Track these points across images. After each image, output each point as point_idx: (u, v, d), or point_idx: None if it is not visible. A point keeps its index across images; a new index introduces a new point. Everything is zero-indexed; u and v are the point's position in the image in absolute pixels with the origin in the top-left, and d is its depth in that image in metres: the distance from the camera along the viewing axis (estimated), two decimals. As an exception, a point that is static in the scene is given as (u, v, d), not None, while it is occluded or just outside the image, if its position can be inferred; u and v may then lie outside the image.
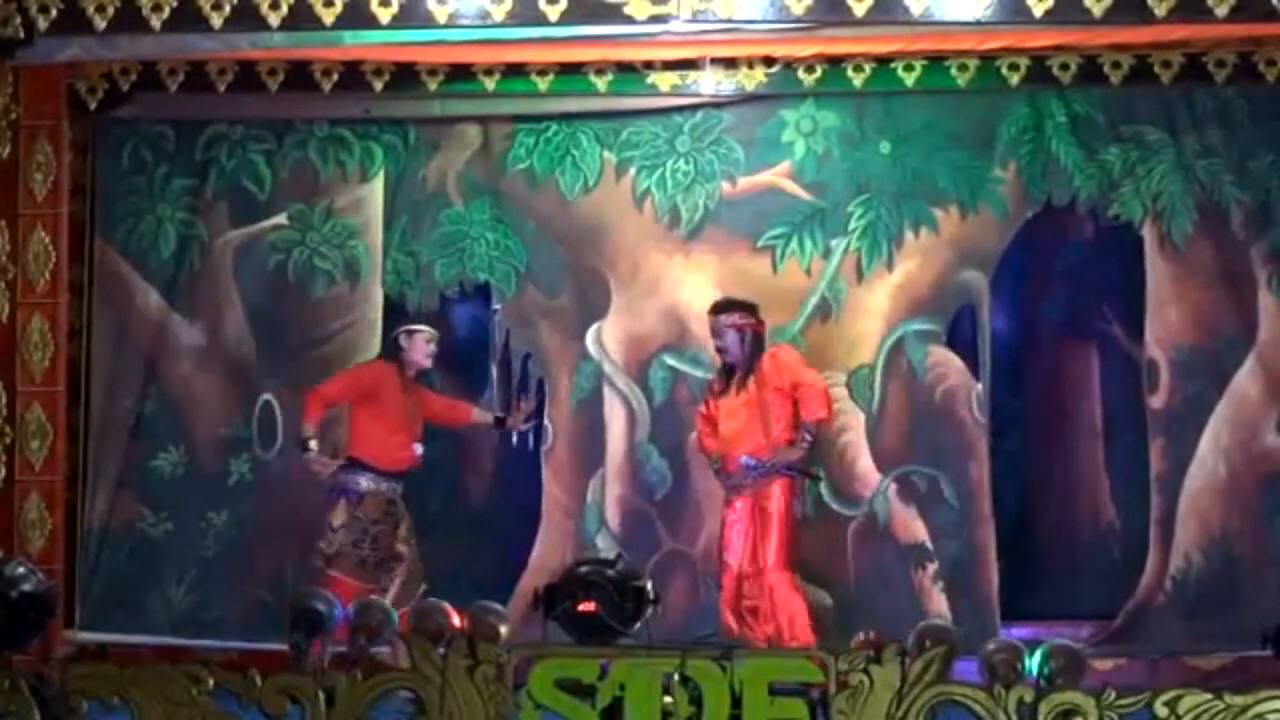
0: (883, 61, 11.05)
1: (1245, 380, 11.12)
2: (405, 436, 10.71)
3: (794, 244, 11.45)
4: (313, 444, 10.60)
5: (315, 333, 11.68)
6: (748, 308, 10.65)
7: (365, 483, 10.59)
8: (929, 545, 11.16)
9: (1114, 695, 7.40)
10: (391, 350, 10.84)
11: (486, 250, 11.65)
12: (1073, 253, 12.15)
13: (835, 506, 11.33)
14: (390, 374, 10.75)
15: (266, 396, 11.63)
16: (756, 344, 10.59)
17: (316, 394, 10.75)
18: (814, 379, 10.54)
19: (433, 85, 11.30)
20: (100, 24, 9.36)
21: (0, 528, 10.79)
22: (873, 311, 11.38)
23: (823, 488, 11.25)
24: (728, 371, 10.68)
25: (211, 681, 7.71)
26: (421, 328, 10.85)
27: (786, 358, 10.61)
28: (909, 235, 11.38)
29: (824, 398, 10.49)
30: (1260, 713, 7.35)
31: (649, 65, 11.21)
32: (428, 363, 10.91)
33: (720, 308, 10.71)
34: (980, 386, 11.34)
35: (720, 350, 10.69)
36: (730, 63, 11.17)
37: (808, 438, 10.42)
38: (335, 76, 11.19)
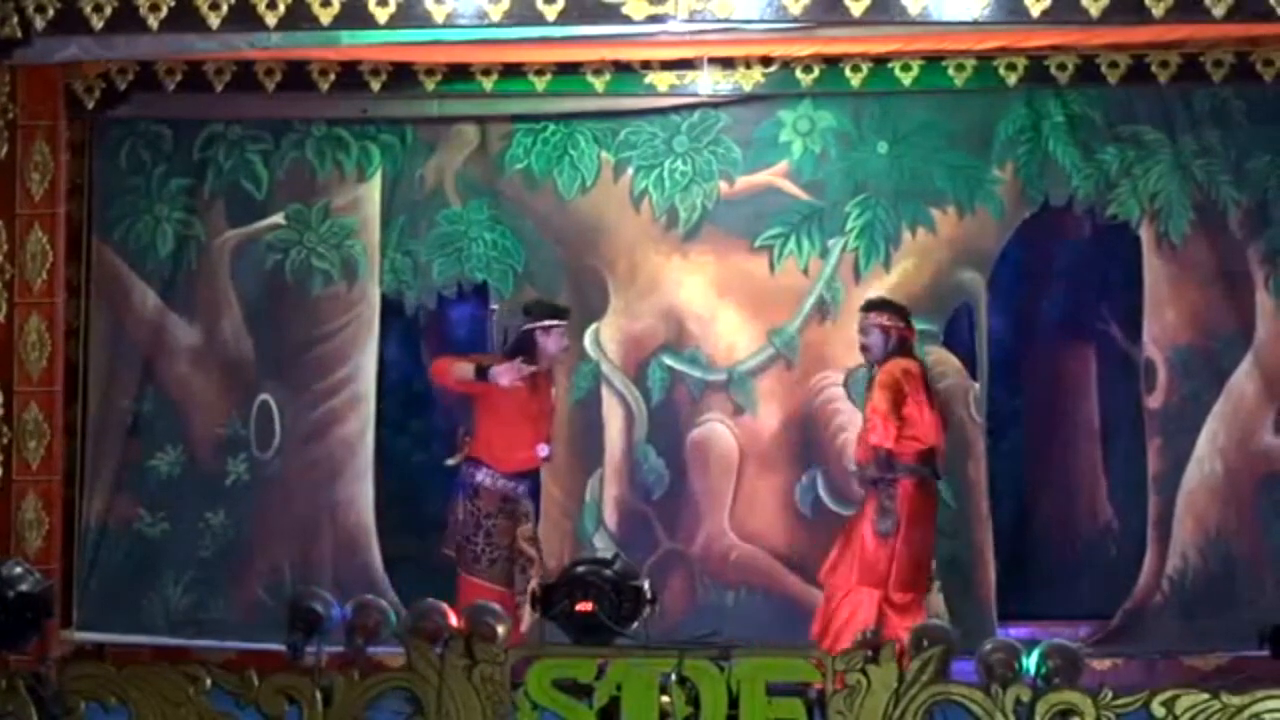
0: (880, 61, 11.04)
1: (1242, 380, 11.13)
2: (529, 436, 10.38)
3: (792, 244, 11.46)
4: (485, 368, 10.18)
5: (313, 332, 11.67)
6: (897, 310, 10.52)
7: (481, 476, 10.32)
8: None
9: (1111, 695, 7.42)
10: (522, 346, 10.38)
11: (484, 250, 11.65)
12: (1070, 252, 12.17)
13: (833, 505, 11.34)
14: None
15: (264, 396, 11.63)
16: (900, 348, 10.41)
17: (444, 361, 10.50)
18: (879, 399, 10.25)
19: (430, 85, 11.28)
20: (98, 24, 9.33)
21: (-3, 528, 10.80)
22: (870, 312, 11.38)
23: (819, 487, 11.27)
24: (872, 371, 10.55)
25: (209, 681, 7.73)
26: (555, 321, 10.44)
27: (883, 378, 10.33)
28: (906, 235, 11.40)
29: (881, 420, 10.20)
30: (1257, 712, 7.37)
31: (646, 65, 11.21)
32: (562, 355, 10.66)
33: (870, 305, 10.58)
34: (977, 386, 11.36)
35: (863, 348, 10.56)
36: (728, 63, 11.17)
37: (878, 457, 10.23)
38: (333, 76, 11.17)
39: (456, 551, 10.30)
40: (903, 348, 10.41)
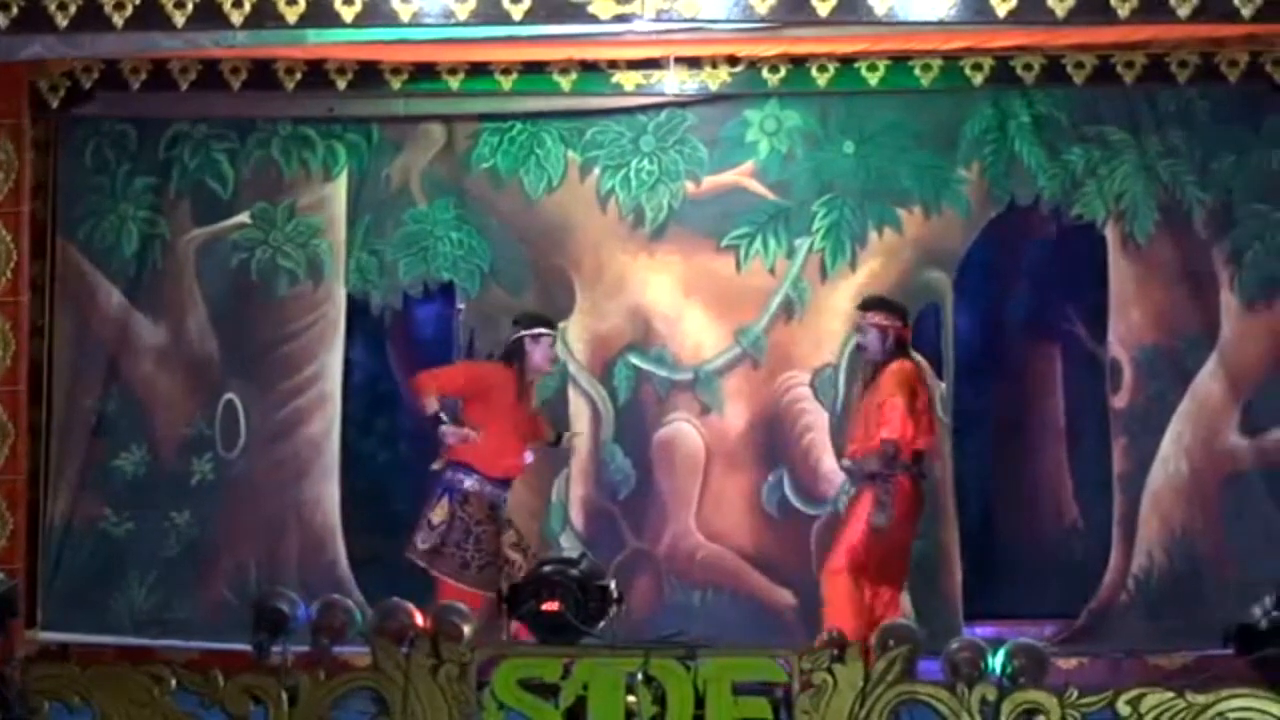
0: (846, 61, 11.05)
1: (1207, 380, 11.16)
2: (515, 443, 10.50)
3: (758, 243, 11.47)
4: (443, 414, 10.40)
5: (278, 332, 11.65)
6: (894, 310, 10.58)
7: (470, 483, 10.40)
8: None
9: (1076, 694, 7.43)
10: (513, 354, 10.53)
11: (450, 249, 11.64)
12: (1036, 252, 12.19)
13: (799, 505, 11.36)
14: (508, 378, 10.50)
15: (230, 396, 11.60)
16: (897, 347, 10.48)
17: (429, 375, 10.64)
18: (897, 396, 10.33)
19: (397, 84, 11.27)
20: (62, 22, 9.30)
21: (-39, 528, 10.77)
22: (837, 311, 11.40)
23: (786, 487, 11.27)
24: (872, 368, 10.60)
25: (174, 681, 7.70)
26: (544, 330, 10.59)
27: (891, 376, 10.41)
28: (873, 235, 11.41)
29: (899, 416, 10.28)
30: (1222, 711, 7.39)
31: (613, 64, 11.21)
32: (549, 367, 10.78)
33: (866, 304, 10.67)
34: (944, 386, 11.37)
35: (860, 347, 10.66)
36: (694, 62, 11.17)
37: (886, 453, 10.30)
38: (299, 75, 11.15)
39: (434, 556, 10.29)
40: (900, 347, 10.46)
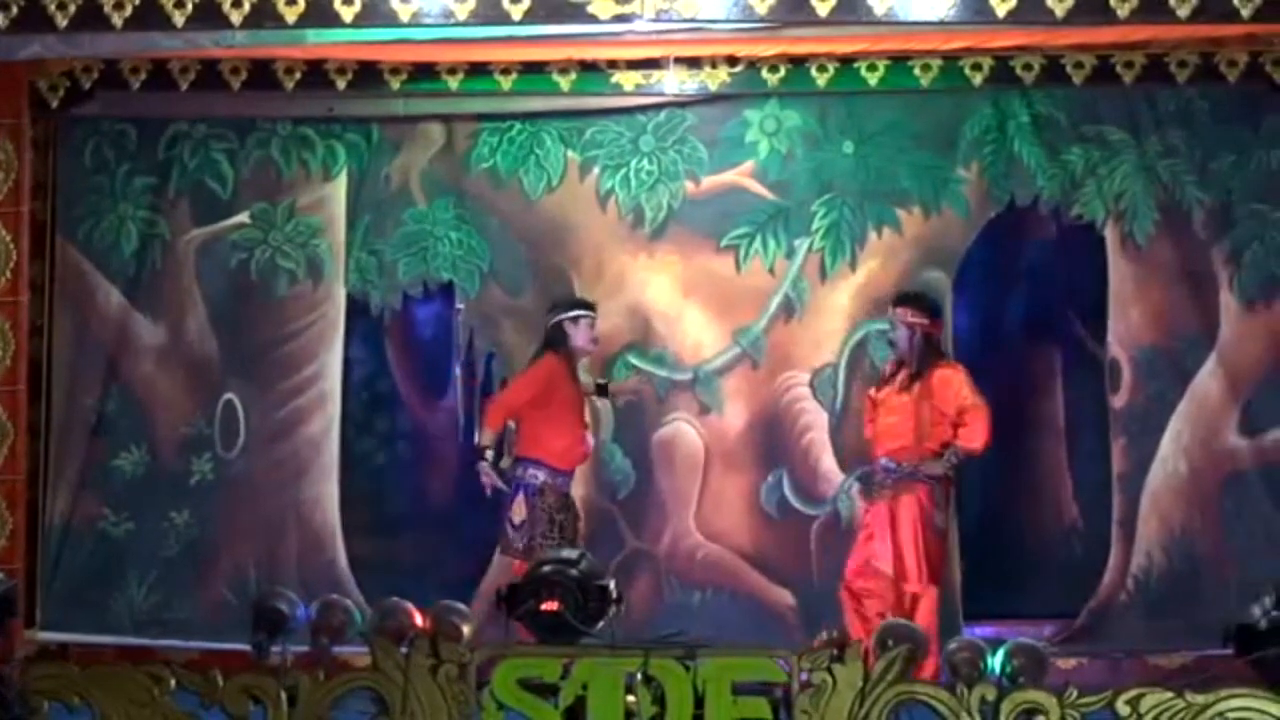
0: (846, 61, 11.06)
1: (1206, 380, 11.16)
2: (580, 430, 10.59)
3: (757, 243, 11.47)
4: (489, 454, 10.49)
5: (278, 332, 11.65)
6: (923, 306, 10.58)
7: (543, 477, 10.46)
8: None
9: (1076, 694, 7.43)
10: (555, 340, 10.58)
11: (450, 249, 11.64)
12: (1035, 253, 12.18)
13: (799, 505, 11.35)
14: (559, 368, 10.54)
15: (229, 396, 11.61)
16: (926, 345, 10.48)
17: (498, 404, 10.68)
18: (980, 405, 10.39)
19: (396, 84, 11.27)
20: (62, 22, 9.30)
21: (-39, 528, 10.77)
22: (836, 311, 11.40)
23: (785, 487, 11.27)
24: (898, 364, 10.61)
25: (173, 681, 7.70)
26: (583, 311, 10.64)
27: (955, 381, 10.44)
28: (872, 235, 11.41)
29: (986, 428, 10.36)
30: (1221, 711, 7.39)
31: (613, 64, 11.21)
32: (593, 347, 10.75)
33: (897, 300, 10.69)
34: (943, 386, 11.36)
35: (891, 342, 10.67)
36: (694, 62, 11.18)
37: (954, 460, 10.35)
38: (298, 75, 11.16)
39: (529, 554, 10.28)
40: (932, 347, 10.46)
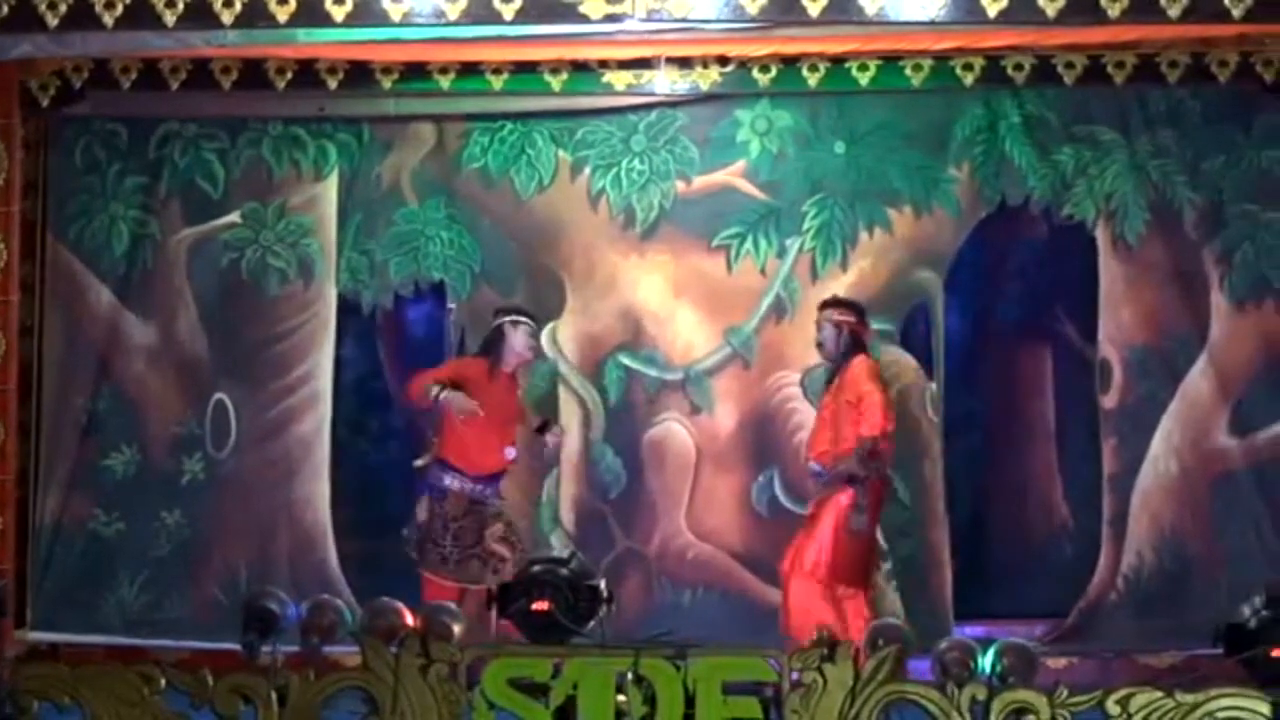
0: (837, 61, 11.08)
1: (1197, 380, 11.17)
2: (495, 439, 10.52)
3: (749, 243, 11.47)
4: (441, 392, 10.37)
5: (269, 331, 11.64)
6: (851, 307, 10.52)
7: (449, 481, 10.46)
8: (883, 544, 11.15)
9: (1066, 693, 7.44)
10: (491, 343, 10.63)
11: (441, 249, 11.64)
12: (1026, 252, 12.19)
13: (789, 505, 11.35)
14: (483, 370, 10.55)
15: (220, 395, 11.59)
16: (853, 344, 10.39)
17: (419, 376, 10.63)
18: (874, 391, 10.24)
19: (387, 84, 11.28)
20: (53, 21, 9.30)
21: (-49, 528, 10.77)
22: (826, 311, 11.40)
23: (776, 486, 11.27)
24: (828, 370, 10.55)
25: (163, 681, 7.70)
26: (524, 318, 10.66)
27: (860, 371, 10.32)
28: (863, 235, 11.41)
29: (880, 412, 10.17)
30: (1210, 710, 7.40)
31: (604, 64, 11.22)
32: (529, 355, 10.75)
33: (825, 303, 10.62)
34: (934, 386, 11.38)
35: (818, 345, 10.56)
36: (685, 62, 11.19)
37: (861, 450, 10.16)
38: (289, 75, 11.16)
39: (419, 552, 10.37)
40: (856, 344, 10.40)
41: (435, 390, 10.40)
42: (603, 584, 8.89)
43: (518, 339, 10.59)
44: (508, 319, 10.62)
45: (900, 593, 11.12)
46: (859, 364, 10.35)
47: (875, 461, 10.15)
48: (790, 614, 10.22)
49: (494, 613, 8.77)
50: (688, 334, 11.53)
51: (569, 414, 11.55)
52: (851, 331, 10.41)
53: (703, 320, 11.54)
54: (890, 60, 11.03)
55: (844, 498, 10.21)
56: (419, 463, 10.62)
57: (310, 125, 11.65)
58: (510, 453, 10.63)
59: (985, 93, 11.25)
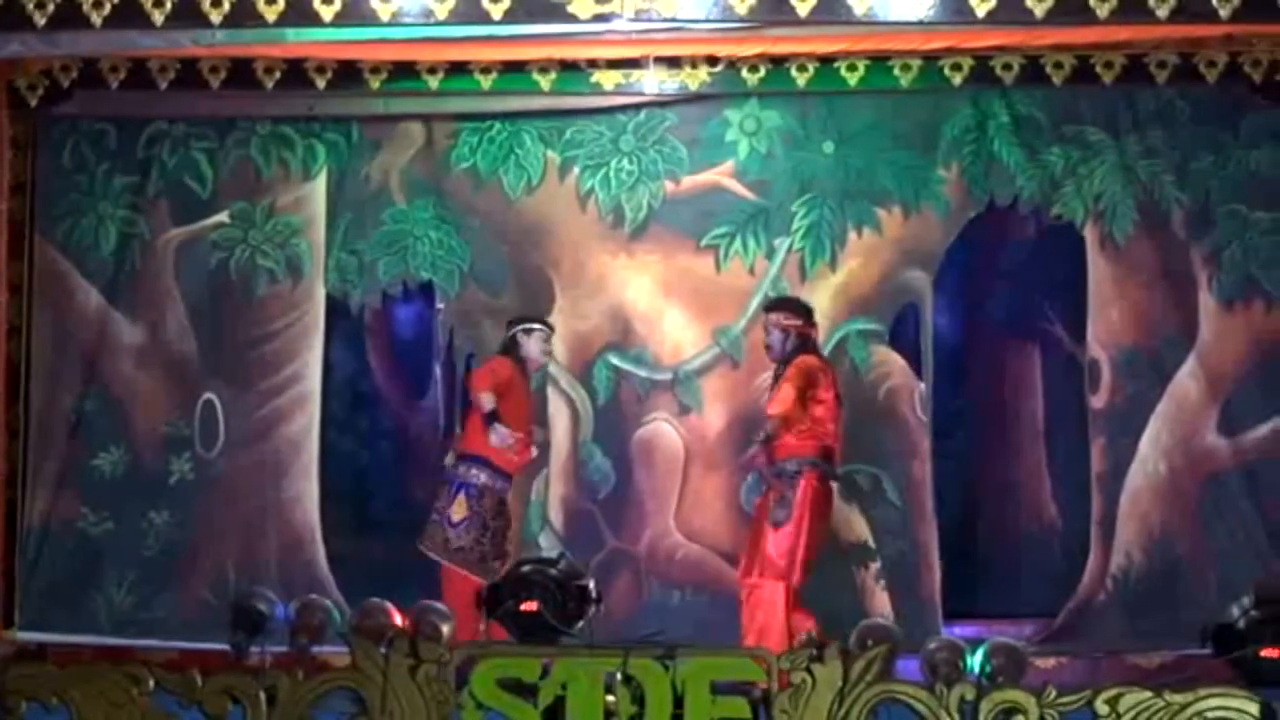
0: (826, 61, 11.08)
1: (1185, 380, 11.17)
2: (526, 435, 10.64)
3: (738, 243, 11.47)
4: (498, 412, 10.42)
5: (257, 331, 11.63)
6: (797, 309, 10.50)
7: (484, 477, 10.51)
8: (872, 544, 11.18)
9: (1055, 693, 7.44)
10: (508, 348, 10.75)
11: (430, 249, 11.63)
12: (1015, 252, 12.20)
13: (778, 505, 11.34)
14: (512, 371, 10.67)
15: (208, 395, 11.58)
16: (799, 346, 10.36)
17: (480, 373, 10.72)
18: (789, 377, 10.16)
19: (376, 83, 11.29)
20: (41, 20, 9.30)
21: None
22: (816, 311, 11.34)
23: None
24: (775, 372, 10.50)
25: (152, 682, 7.68)
26: (537, 325, 10.81)
27: (793, 367, 10.24)
28: (852, 235, 11.41)
29: (787, 399, 10.09)
30: (1199, 710, 7.40)
31: (593, 64, 11.23)
32: (544, 360, 10.90)
33: (770, 305, 10.63)
34: (923, 386, 11.38)
35: (766, 348, 10.51)
36: (674, 62, 11.19)
37: (765, 433, 10.14)
38: (278, 74, 11.17)
39: (457, 552, 10.37)
40: (804, 346, 10.37)
41: (489, 405, 10.42)
42: (591, 584, 8.90)
43: (532, 346, 10.74)
44: (520, 329, 10.75)
45: (889, 592, 11.13)
46: (797, 362, 10.25)
47: (808, 460, 10.12)
48: (750, 618, 10.15)
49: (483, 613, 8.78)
50: (676, 334, 11.53)
51: (558, 414, 11.55)
52: (799, 334, 10.38)
53: (691, 320, 11.54)
54: (879, 60, 11.05)
55: (771, 494, 10.18)
56: (449, 460, 10.67)
57: (299, 125, 11.64)
58: (534, 451, 10.80)
59: (974, 93, 11.26)
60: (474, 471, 10.50)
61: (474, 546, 10.43)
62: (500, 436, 10.39)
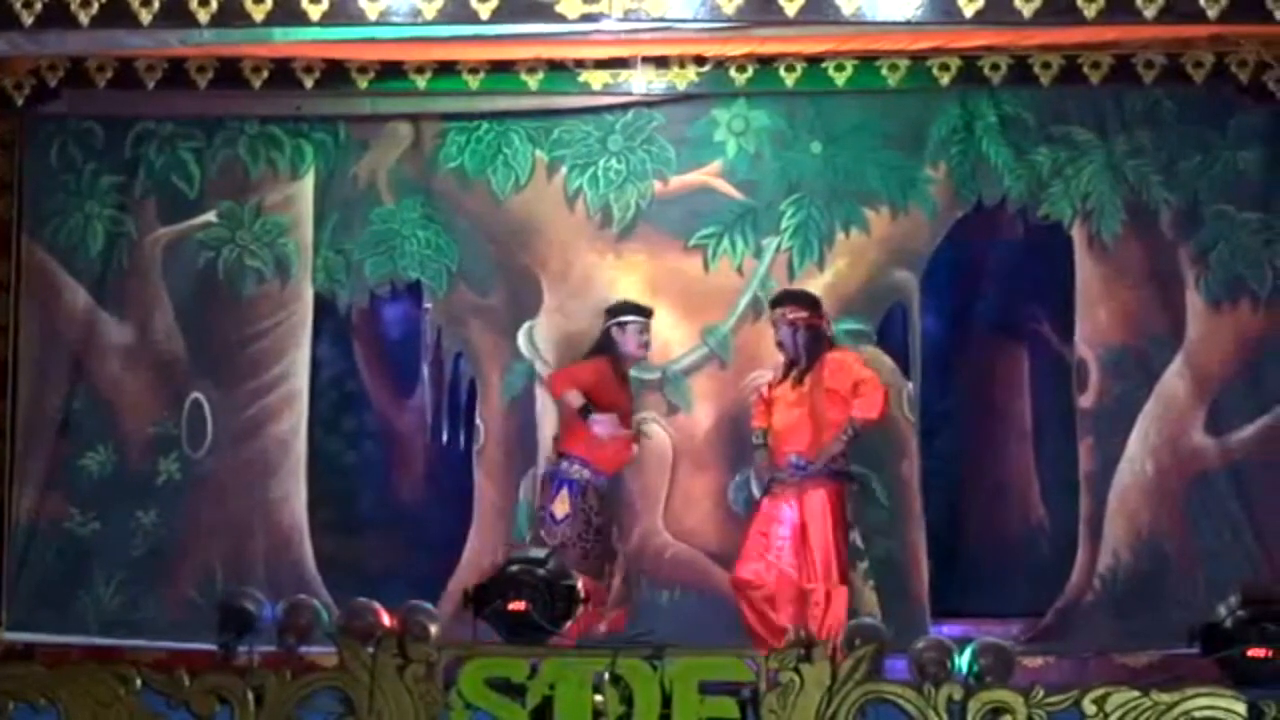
0: (814, 61, 11.09)
1: (1173, 380, 11.18)
2: (624, 434, 10.67)
3: (725, 243, 11.47)
4: (590, 406, 10.53)
5: (245, 331, 11.62)
6: (802, 302, 10.58)
7: (587, 474, 10.55)
8: (860, 544, 11.16)
9: (1043, 693, 7.44)
10: (604, 346, 10.79)
11: (417, 249, 11.62)
12: (1003, 252, 12.20)
13: (766, 505, 11.34)
14: (607, 370, 10.69)
15: (196, 395, 11.57)
16: (813, 339, 10.46)
17: (561, 374, 10.84)
18: (874, 377, 10.43)
19: (363, 83, 11.28)
20: (28, 20, 9.28)
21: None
22: (809, 307, 11.41)
23: (753, 485, 11.26)
24: (790, 363, 10.61)
25: (139, 681, 7.68)
26: (632, 318, 10.80)
27: (847, 361, 10.47)
28: (840, 235, 11.42)
29: (882, 399, 10.38)
30: (1187, 710, 7.41)
31: (580, 64, 11.22)
32: (642, 353, 10.89)
33: (775, 301, 10.70)
34: (911, 386, 11.38)
35: (778, 344, 10.62)
36: (662, 61, 11.19)
37: (849, 434, 10.31)
38: (265, 74, 11.16)
39: (561, 549, 10.27)
40: (815, 337, 10.42)
41: (578, 401, 10.54)
42: (579, 584, 8.89)
43: (629, 341, 10.79)
44: (614, 322, 10.80)
45: (877, 592, 11.12)
46: (843, 355, 10.46)
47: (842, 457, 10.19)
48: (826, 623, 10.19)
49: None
50: (665, 334, 11.51)
51: (546, 414, 11.53)
52: (809, 326, 10.43)
53: (679, 320, 11.53)
54: (867, 60, 11.05)
55: (831, 494, 10.24)
56: (550, 458, 10.78)
57: (286, 124, 11.63)
58: (635, 449, 10.88)
59: (962, 93, 11.26)
60: (575, 467, 10.57)
61: (577, 542, 10.45)
62: (603, 425, 10.51)
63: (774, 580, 10.42)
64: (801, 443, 10.45)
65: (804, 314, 10.51)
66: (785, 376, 10.64)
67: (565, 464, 10.62)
